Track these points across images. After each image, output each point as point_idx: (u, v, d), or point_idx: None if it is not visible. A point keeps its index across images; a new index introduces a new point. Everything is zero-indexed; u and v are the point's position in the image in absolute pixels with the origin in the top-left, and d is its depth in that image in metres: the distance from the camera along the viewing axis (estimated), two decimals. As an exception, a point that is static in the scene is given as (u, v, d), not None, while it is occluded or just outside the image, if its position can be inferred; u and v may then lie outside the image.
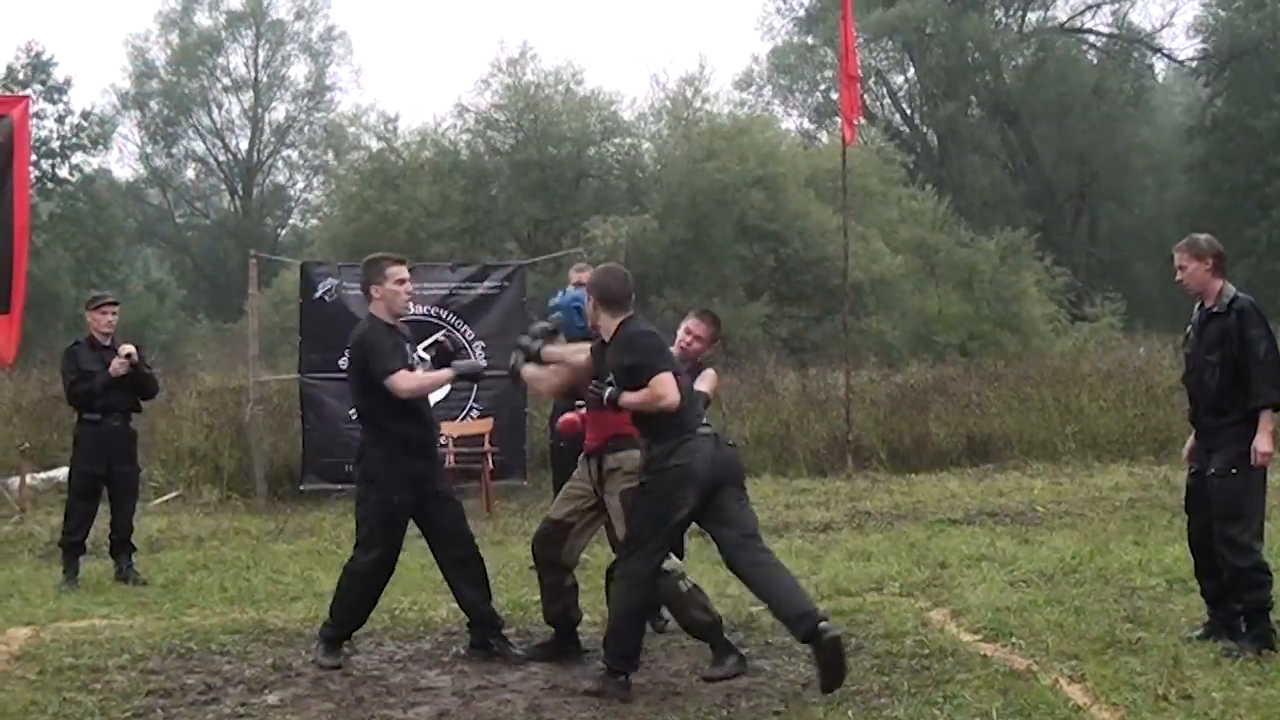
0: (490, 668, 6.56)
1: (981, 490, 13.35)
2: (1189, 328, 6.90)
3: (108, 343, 9.35)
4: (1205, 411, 6.70)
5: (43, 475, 13.62)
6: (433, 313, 13.73)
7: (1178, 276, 6.80)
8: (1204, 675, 5.98)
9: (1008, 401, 16.52)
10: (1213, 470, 6.60)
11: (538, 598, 8.00)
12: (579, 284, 9.26)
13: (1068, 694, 5.73)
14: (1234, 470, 6.51)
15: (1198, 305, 6.81)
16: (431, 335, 13.66)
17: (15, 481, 13.13)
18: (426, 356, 7.10)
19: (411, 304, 6.89)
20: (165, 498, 13.62)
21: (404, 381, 6.48)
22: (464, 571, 6.74)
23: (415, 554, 9.37)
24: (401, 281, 6.69)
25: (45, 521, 11.61)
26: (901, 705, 5.63)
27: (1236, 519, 6.51)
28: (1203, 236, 6.85)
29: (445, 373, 6.69)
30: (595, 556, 8.39)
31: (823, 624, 5.75)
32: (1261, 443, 6.46)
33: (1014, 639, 6.79)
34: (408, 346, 6.73)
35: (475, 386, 13.72)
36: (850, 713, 5.57)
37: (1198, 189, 39.81)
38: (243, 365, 16.85)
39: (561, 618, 6.74)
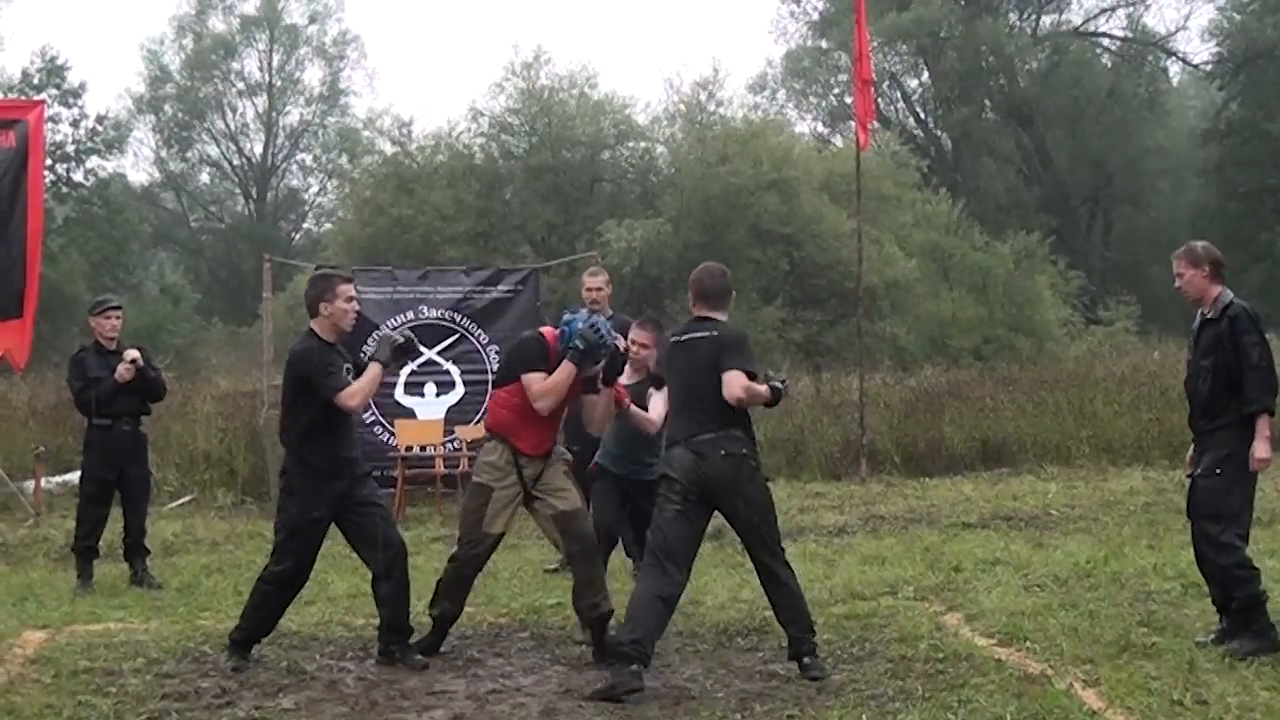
0: (504, 671, 6.57)
1: (995, 494, 13.33)
2: (1190, 333, 6.95)
3: (113, 347, 9.28)
4: (1199, 416, 6.77)
5: (58, 479, 13.64)
6: (447, 317, 13.77)
7: (1176, 284, 6.91)
8: (1219, 680, 5.97)
9: (1022, 405, 16.49)
10: (1199, 471, 6.66)
11: (552, 601, 8.02)
12: (591, 288, 9.31)
13: (1082, 698, 5.73)
14: (1218, 471, 6.58)
15: (1198, 311, 6.86)
16: (446, 339, 13.74)
17: (30, 485, 13.14)
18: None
19: (354, 321, 6.89)
20: (179, 501, 13.66)
21: (350, 399, 6.56)
22: (385, 577, 6.72)
23: (430, 558, 9.44)
24: (350, 300, 6.80)
25: (60, 525, 11.63)
26: (915, 709, 5.62)
27: (1216, 519, 6.57)
28: (1200, 244, 6.94)
29: (374, 368, 6.67)
30: (622, 562, 8.40)
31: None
32: (1259, 449, 6.52)
33: (1028, 643, 6.78)
34: (346, 366, 6.73)
35: (489, 391, 13.72)
36: (864, 717, 5.57)
37: (1212, 193, 39.68)
38: (257, 369, 16.89)
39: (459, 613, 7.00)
